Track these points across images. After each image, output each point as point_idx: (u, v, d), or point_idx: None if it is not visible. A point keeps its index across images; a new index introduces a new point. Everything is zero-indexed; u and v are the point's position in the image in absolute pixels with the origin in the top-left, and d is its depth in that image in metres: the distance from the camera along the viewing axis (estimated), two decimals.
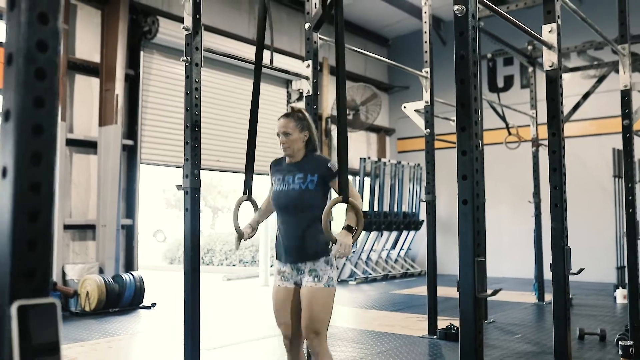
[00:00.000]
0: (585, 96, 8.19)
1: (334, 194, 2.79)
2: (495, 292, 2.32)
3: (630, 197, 4.49)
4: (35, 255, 0.99)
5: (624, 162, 4.45)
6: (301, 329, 2.85)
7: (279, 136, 2.89)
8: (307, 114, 2.98)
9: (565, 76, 9.92)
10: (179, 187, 3.46)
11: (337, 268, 2.80)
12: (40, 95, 1.00)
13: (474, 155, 2.32)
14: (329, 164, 2.84)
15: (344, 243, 2.65)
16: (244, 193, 3.07)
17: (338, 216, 2.94)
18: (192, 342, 3.49)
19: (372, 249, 11.21)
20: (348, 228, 2.70)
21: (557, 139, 3.18)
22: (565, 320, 3.16)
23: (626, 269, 4.62)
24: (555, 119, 3.19)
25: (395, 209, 11.37)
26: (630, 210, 4.49)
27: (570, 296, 7.51)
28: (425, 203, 5.55)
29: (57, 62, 1.02)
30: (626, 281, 4.75)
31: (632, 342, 4.17)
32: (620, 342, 4.20)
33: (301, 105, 3.79)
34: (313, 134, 2.95)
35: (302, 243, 2.81)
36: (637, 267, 4.49)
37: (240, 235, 2.99)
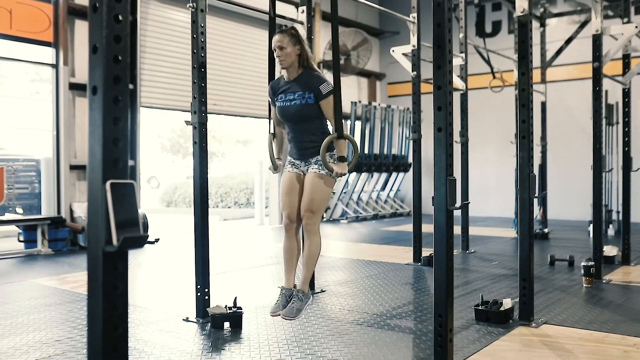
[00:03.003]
0: (568, 41, 8.52)
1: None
2: (464, 205, 2.75)
3: (597, 134, 4.91)
4: (117, 149, 1.39)
5: (593, 101, 4.85)
6: (301, 212, 3.32)
7: (275, 51, 3.28)
8: (300, 32, 3.36)
9: (552, 21, 10.21)
10: (187, 122, 3.82)
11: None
12: (118, 74, 1.38)
13: (448, 89, 2.71)
14: (320, 86, 3.24)
15: (340, 172, 3.22)
16: (269, 132, 3.54)
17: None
18: (203, 265, 3.87)
19: (362, 189, 11.67)
20: (341, 159, 3.25)
21: (526, 78, 3.56)
22: (529, 238, 3.61)
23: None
24: (525, 59, 3.56)
25: (385, 152, 11.76)
26: (597, 146, 4.92)
27: (547, 231, 8.05)
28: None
29: (128, 50, 1.41)
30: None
31: (593, 263, 4.67)
32: (582, 263, 4.68)
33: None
34: (305, 49, 3.31)
35: (310, 144, 3.31)
36: (601, 196, 4.96)
37: (275, 167, 3.47)
